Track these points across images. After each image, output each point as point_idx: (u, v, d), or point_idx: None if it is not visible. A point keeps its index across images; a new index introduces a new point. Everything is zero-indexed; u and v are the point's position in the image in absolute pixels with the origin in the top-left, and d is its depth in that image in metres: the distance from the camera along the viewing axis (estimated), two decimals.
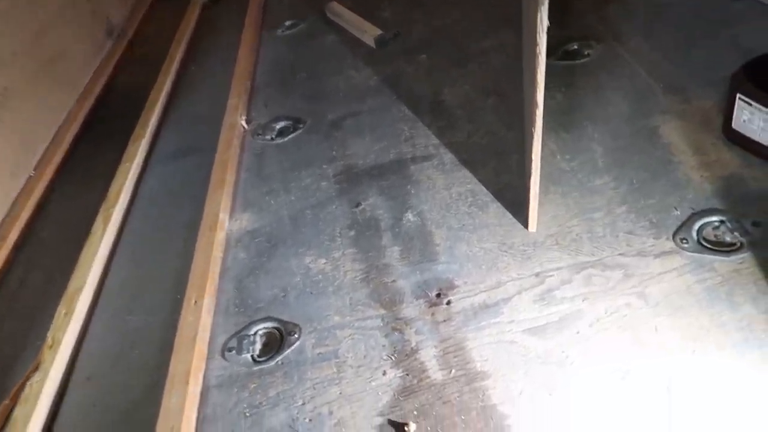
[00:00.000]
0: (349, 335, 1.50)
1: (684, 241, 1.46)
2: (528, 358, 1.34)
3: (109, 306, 1.82)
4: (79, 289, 1.81)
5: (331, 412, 1.35)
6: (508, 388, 1.30)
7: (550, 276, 1.49)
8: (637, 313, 1.35)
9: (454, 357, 1.39)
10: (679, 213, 1.54)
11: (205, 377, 1.51)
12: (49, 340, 1.67)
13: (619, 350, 1.29)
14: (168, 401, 1.40)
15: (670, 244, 1.47)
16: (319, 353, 1.48)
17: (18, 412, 1.49)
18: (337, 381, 1.42)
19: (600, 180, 1.70)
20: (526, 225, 1.62)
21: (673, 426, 1.15)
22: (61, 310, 1.76)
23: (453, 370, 1.36)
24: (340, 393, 1.39)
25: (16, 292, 1.99)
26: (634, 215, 1.57)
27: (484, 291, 1.51)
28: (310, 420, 1.35)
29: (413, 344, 1.44)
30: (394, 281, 1.60)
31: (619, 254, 1.49)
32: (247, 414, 1.40)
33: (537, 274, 1.50)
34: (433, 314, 1.49)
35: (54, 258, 2.06)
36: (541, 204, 1.60)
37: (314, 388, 1.41)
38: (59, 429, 1.51)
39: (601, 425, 1.19)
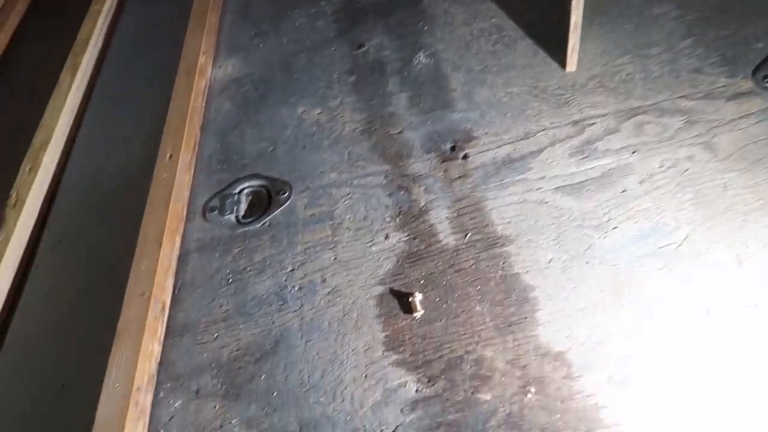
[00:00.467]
0: (347, 194, 1.27)
1: (767, 80, 1.15)
2: (561, 222, 1.11)
3: (79, 162, 1.60)
4: (45, 144, 1.58)
5: (324, 280, 1.16)
6: (534, 255, 1.08)
7: (592, 124, 1.22)
8: (701, 168, 1.09)
9: (470, 219, 1.16)
10: (762, 46, 1.22)
11: (183, 240, 1.32)
12: (12, 198, 1.48)
13: (677, 212, 1.05)
14: (138, 266, 1.22)
15: (748, 84, 1.17)
16: (312, 214, 1.27)
17: None
18: (332, 245, 1.21)
19: (660, 8, 1.36)
20: (563, 64, 1.32)
21: (740, 299, 0.94)
22: (26, 165, 1.55)
23: (468, 234, 1.14)
24: (335, 259, 1.19)
25: None
26: (701, 50, 1.26)
27: (509, 143, 1.24)
28: (299, 288, 1.17)
29: (422, 204, 1.21)
30: (400, 132, 1.34)
31: (681, 97, 1.20)
32: (230, 280, 1.22)
33: (575, 123, 1.23)
34: (446, 170, 1.25)
35: (18, 117, 1.82)
36: (583, 39, 1.29)
37: (305, 253, 1.22)
38: (28, 296, 1.35)
39: (649, 302, 0.98)
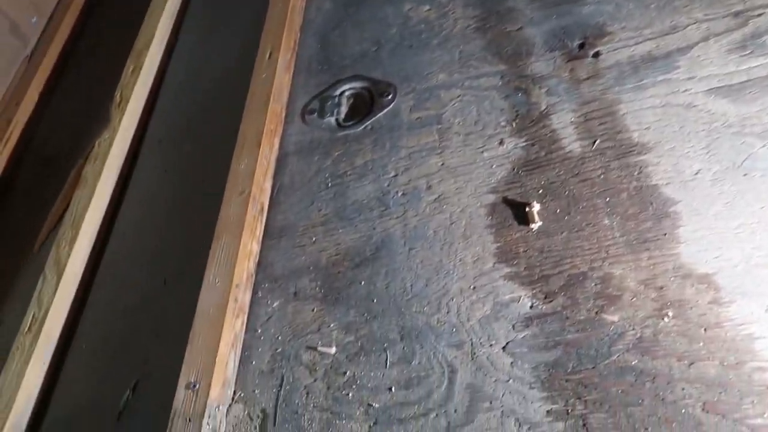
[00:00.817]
0: (457, 96, 1.16)
1: None
2: (713, 128, 0.94)
3: (180, 62, 1.57)
4: (147, 45, 1.57)
5: (429, 186, 1.07)
6: (678, 165, 0.93)
7: (759, 15, 1.01)
8: None
9: (600, 124, 1.02)
10: None
11: (282, 142, 1.27)
12: (117, 98, 1.48)
13: None
14: (237, 165, 1.18)
15: None
16: (418, 118, 1.17)
17: (88, 169, 1.35)
18: (439, 150, 1.11)
19: None
20: None
21: None
22: (129, 66, 1.55)
23: (597, 141, 1.00)
24: (443, 164, 1.09)
25: (85, 58, 1.80)
26: None
27: (651, 38, 1.07)
28: (403, 194, 1.09)
29: (542, 108, 1.08)
30: (519, 29, 1.19)
31: None
32: (330, 184, 1.16)
33: (737, 14, 1.03)
34: (572, 70, 1.10)
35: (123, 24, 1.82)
36: None
37: (410, 158, 1.13)
38: (132, 194, 1.37)
39: None
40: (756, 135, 0.91)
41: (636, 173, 0.95)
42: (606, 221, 0.92)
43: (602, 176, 0.97)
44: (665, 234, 0.88)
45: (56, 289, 1.15)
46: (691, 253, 0.85)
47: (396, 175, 1.11)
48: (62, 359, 1.14)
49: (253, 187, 1.14)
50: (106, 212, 1.30)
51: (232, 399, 0.96)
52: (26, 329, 1.12)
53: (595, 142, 1.00)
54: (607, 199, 0.94)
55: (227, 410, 0.95)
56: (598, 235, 0.92)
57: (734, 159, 0.90)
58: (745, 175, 0.89)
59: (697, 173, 0.91)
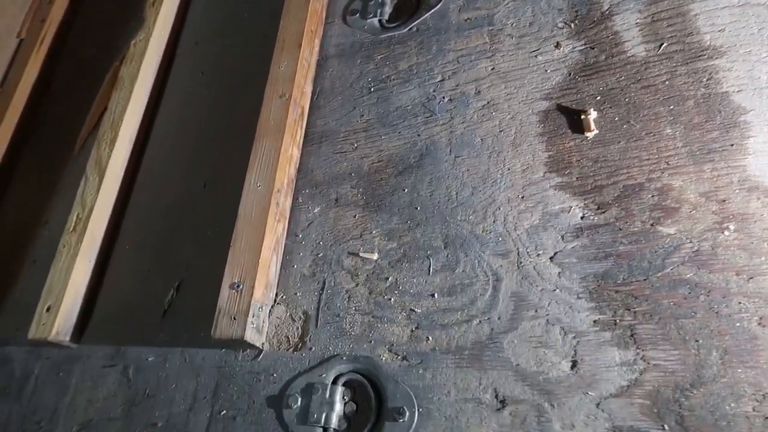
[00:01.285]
0: None
1: None
2: None
3: None
4: None
5: (478, 92, 1.02)
6: (752, 71, 0.86)
7: None
8: None
9: (668, 26, 0.94)
10: None
11: (322, 44, 1.21)
12: None
13: None
14: (277, 67, 1.14)
15: None
16: (467, 19, 1.10)
17: (124, 71, 1.32)
18: (490, 54, 1.05)
19: None
20: None
21: None
22: None
23: (664, 44, 0.93)
24: (493, 69, 1.03)
25: None
26: None
27: None
28: (450, 99, 1.04)
29: (604, 8, 1.00)
30: None
31: None
32: (372, 88, 1.11)
33: None
34: None
35: None
36: None
37: (458, 62, 1.07)
38: (169, 96, 1.34)
39: None
40: None
41: (705, 79, 0.88)
42: (668, 130, 0.87)
43: (667, 82, 0.90)
44: (732, 145, 0.83)
45: (99, 189, 1.15)
46: (760, 165, 0.81)
47: (443, 80, 1.06)
48: (107, 258, 1.17)
49: (293, 90, 1.10)
50: (145, 114, 1.29)
51: (275, 301, 0.98)
52: (71, 228, 1.14)
53: (661, 45, 0.93)
54: (671, 107, 0.88)
55: (270, 311, 0.97)
56: (659, 145, 0.87)
57: None
58: None
59: None
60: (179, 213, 1.16)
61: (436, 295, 0.89)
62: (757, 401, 0.69)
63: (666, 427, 0.70)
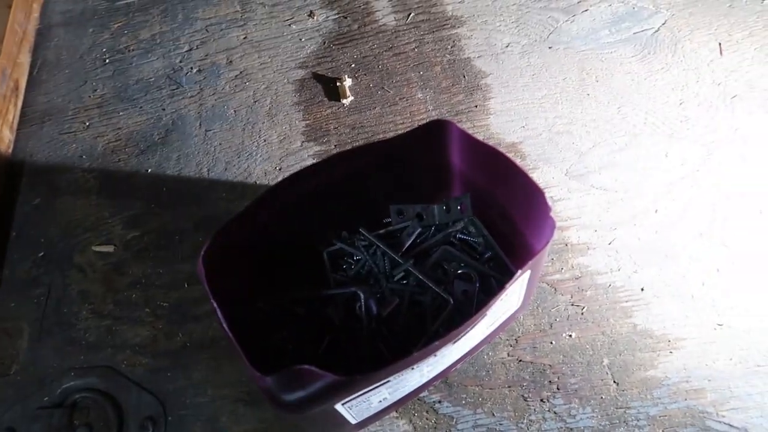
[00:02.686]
0: None
1: None
2: (522, 2, 0.93)
3: None
4: None
5: (230, 62, 0.93)
6: (489, 39, 0.91)
7: None
8: None
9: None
10: None
11: (44, 11, 1.02)
12: None
13: None
14: None
15: None
16: None
17: None
18: (242, 23, 0.97)
19: None
20: None
21: (718, 90, 0.82)
22: None
23: (412, 14, 0.94)
24: (245, 38, 0.96)
25: None
26: None
27: None
28: (199, 70, 0.93)
29: None
30: None
31: None
32: (107, 60, 0.96)
33: None
34: None
35: None
36: None
37: (207, 31, 0.97)
38: None
39: (618, 92, 0.83)
40: (561, 10, 0.91)
41: (450, 47, 0.90)
42: (419, 95, 0.87)
43: (416, 50, 0.91)
44: (476, 106, 0.85)
45: None
46: (500, 123, 0.84)
47: (190, 50, 0.95)
48: None
49: (2, 59, 0.90)
50: None
51: None
52: None
53: (410, 14, 0.94)
54: (421, 72, 0.89)
55: None
56: (411, 109, 0.86)
57: (541, 33, 0.90)
58: (550, 48, 0.88)
59: (507, 46, 0.89)
60: None
61: (187, 284, 0.77)
62: (511, 346, 0.69)
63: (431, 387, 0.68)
